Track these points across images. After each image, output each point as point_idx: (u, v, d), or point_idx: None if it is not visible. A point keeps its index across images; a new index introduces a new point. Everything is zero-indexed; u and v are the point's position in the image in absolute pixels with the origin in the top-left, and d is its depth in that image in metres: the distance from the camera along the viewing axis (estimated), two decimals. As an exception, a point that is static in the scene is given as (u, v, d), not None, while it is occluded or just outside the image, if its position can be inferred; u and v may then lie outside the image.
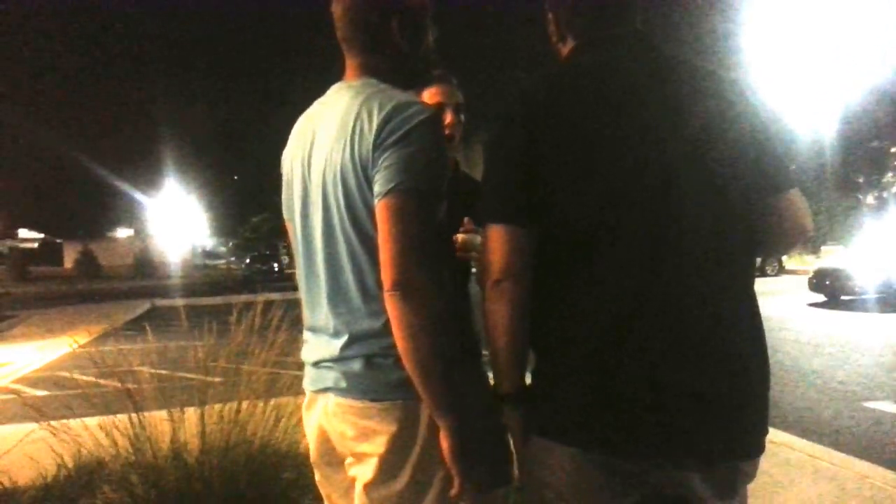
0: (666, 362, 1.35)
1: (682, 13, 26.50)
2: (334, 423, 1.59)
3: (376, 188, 1.45)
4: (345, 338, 1.55)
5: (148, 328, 4.23)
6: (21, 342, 12.45)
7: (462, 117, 2.42)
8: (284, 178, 1.76)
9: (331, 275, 1.59)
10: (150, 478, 3.26)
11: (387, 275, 1.42)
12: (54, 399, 6.73)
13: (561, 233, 1.42)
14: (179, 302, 16.85)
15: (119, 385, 3.50)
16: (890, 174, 32.89)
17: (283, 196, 1.76)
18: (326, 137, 1.59)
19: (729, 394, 1.38)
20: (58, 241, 61.71)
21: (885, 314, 12.83)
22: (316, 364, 1.64)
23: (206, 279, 37.11)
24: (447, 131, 2.37)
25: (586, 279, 1.40)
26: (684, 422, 1.35)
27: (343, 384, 1.56)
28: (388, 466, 1.51)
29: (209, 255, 63.71)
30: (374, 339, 1.52)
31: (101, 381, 3.86)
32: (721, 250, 1.41)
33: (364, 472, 1.54)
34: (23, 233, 67.14)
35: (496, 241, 1.44)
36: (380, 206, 1.44)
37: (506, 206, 1.44)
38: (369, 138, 1.47)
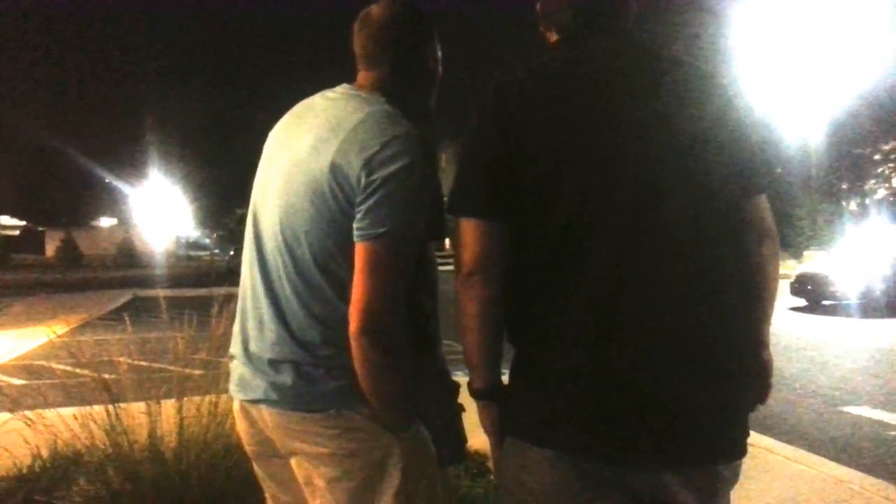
0: (641, 364, 1.34)
1: (670, 17, 26.60)
2: (271, 430, 1.60)
3: (361, 226, 1.48)
4: (280, 338, 1.56)
5: (127, 319, 4.19)
6: (-1, 330, 12.30)
7: None
8: (264, 154, 1.75)
9: (276, 279, 1.60)
10: (126, 470, 3.22)
11: (357, 318, 1.46)
12: (31, 388, 6.65)
13: (537, 228, 1.40)
14: (161, 293, 16.70)
15: (96, 376, 3.45)
16: (872, 181, 33.23)
17: (257, 174, 1.75)
18: (305, 145, 1.59)
19: (705, 396, 1.36)
20: (39, 228, 61.15)
21: (865, 319, 12.95)
22: (248, 358, 1.63)
23: (189, 270, 36.86)
24: None
25: (560, 278, 1.38)
26: (660, 425, 1.34)
27: (273, 396, 1.56)
28: (340, 463, 1.54)
29: (193, 246, 63.37)
30: (304, 348, 1.54)
31: (79, 372, 3.81)
32: (700, 250, 1.39)
33: (316, 468, 1.56)
34: (4, 220, 66.47)
35: (467, 235, 1.43)
36: (362, 248, 1.48)
37: (477, 200, 1.43)
38: (357, 160, 1.49)
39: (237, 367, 1.68)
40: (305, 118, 1.66)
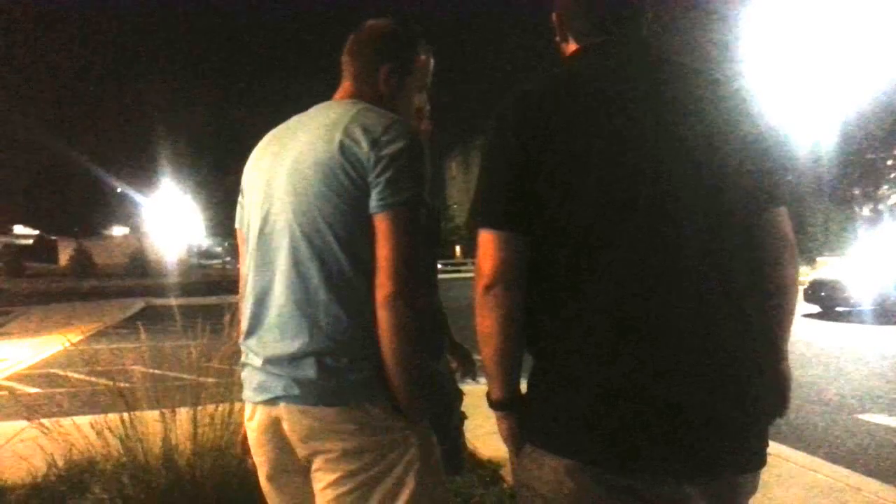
0: (661, 374, 1.33)
1: (681, 23, 26.56)
2: (290, 430, 1.60)
3: (382, 196, 1.55)
4: (302, 331, 1.57)
5: (141, 327, 4.21)
6: (14, 339, 12.40)
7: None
8: (245, 187, 1.81)
9: (296, 272, 1.61)
10: (140, 479, 3.24)
11: (389, 284, 1.52)
12: (46, 397, 6.71)
13: (555, 239, 1.40)
14: (174, 301, 16.80)
15: (111, 384, 3.48)
16: (886, 186, 33.01)
17: (241, 206, 1.82)
18: (305, 142, 1.65)
19: (724, 407, 1.36)
20: (53, 238, 61.65)
21: (880, 326, 12.85)
22: (266, 364, 1.63)
23: (201, 279, 37.02)
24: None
25: (580, 288, 1.38)
26: (678, 435, 1.33)
27: (295, 391, 1.57)
28: (358, 458, 1.55)
29: (205, 254, 63.66)
30: (330, 337, 1.56)
31: (94, 380, 3.83)
32: (718, 261, 1.39)
33: (333, 466, 1.57)
34: (18, 229, 66.98)
35: (487, 247, 1.42)
36: (386, 217, 1.54)
37: (497, 212, 1.43)
38: (364, 140, 1.57)
39: (254, 376, 1.67)
40: (290, 131, 1.74)
